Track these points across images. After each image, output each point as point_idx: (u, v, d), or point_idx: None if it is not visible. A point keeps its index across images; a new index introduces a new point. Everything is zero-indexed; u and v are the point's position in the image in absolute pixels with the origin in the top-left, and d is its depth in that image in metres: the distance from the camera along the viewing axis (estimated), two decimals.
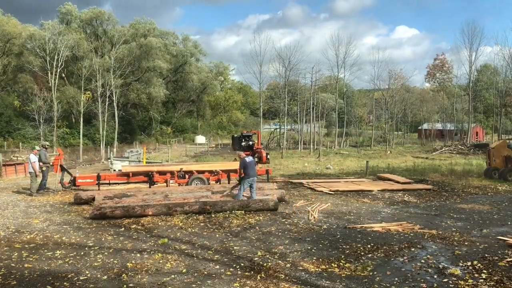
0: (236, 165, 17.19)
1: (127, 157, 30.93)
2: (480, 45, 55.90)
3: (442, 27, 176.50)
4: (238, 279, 6.36)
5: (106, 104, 45.18)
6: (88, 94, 50.50)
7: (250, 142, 17.06)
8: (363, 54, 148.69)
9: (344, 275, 6.56)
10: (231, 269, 6.79)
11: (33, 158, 14.95)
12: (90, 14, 58.91)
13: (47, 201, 13.53)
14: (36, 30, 52.55)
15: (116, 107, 46.79)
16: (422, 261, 7.28)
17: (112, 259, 7.30)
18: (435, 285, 6.17)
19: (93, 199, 12.30)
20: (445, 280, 6.37)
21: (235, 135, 18.48)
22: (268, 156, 16.20)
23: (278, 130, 56.69)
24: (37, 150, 15.65)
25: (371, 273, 6.63)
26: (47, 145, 17.66)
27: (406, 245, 8.23)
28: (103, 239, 8.64)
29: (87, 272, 6.67)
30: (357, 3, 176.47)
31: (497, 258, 7.42)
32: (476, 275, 6.59)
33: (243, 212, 11.01)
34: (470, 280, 6.33)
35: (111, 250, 7.85)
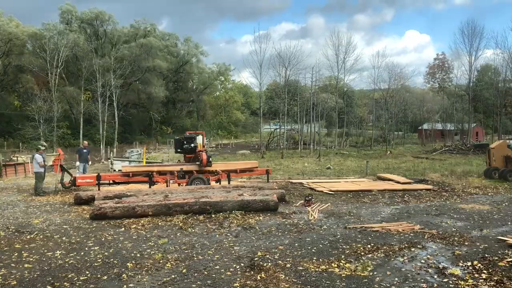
0: (236, 166, 17.22)
1: (127, 157, 30.95)
2: (480, 44, 55.78)
3: (449, 32, 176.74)
4: (238, 279, 6.36)
5: (106, 104, 45.18)
6: (88, 94, 50.51)
7: (192, 145, 16.66)
8: (366, 59, 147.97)
9: (344, 275, 6.56)
10: (231, 269, 6.79)
11: (40, 158, 15.02)
12: (91, 15, 58.92)
13: (47, 201, 13.53)
14: (37, 30, 52.58)
15: (116, 107, 46.79)
16: (422, 261, 7.27)
17: (112, 259, 7.30)
18: (435, 285, 6.17)
19: (93, 199, 12.30)
20: (445, 280, 6.37)
21: (177, 137, 18.19)
22: (210, 159, 16.06)
23: (278, 130, 56.70)
24: (42, 150, 15.77)
25: (371, 273, 6.63)
26: (44, 146, 17.87)
27: (406, 245, 8.23)
28: (103, 239, 8.64)
29: (87, 272, 6.68)
30: (377, 19, 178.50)
31: (497, 258, 7.42)
32: (476, 275, 6.58)
33: (243, 212, 11.01)
34: (470, 280, 6.33)
35: (111, 250, 7.85)
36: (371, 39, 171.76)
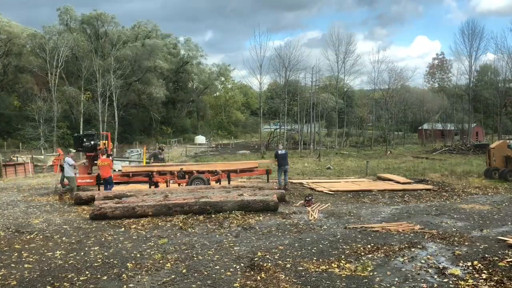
0: (236, 166, 17.24)
1: (127, 157, 30.96)
2: (480, 45, 55.71)
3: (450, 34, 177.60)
4: (238, 279, 6.36)
5: (106, 105, 45.18)
6: (88, 94, 50.50)
7: (92, 142, 16.02)
8: (367, 60, 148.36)
9: (344, 275, 6.56)
10: (231, 269, 6.79)
11: (71, 161, 14.40)
12: (91, 15, 58.87)
13: (47, 201, 13.53)
14: (36, 31, 52.57)
15: (116, 107, 46.79)
16: (422, 261, 7.27)
17: (112, 259, 7.30)
18: (435, 285, 6.17)
19: (93, 199, 12.30)
20: (445, 280, 6.37)
21: (75, 134, 17.70)
22: (111, 158, 15.95)
23: (278, 130, 56.69)
24: (73, 153, 15.46)
25: (371, 273, 6.63)
26: (163, 147, 17.50)
27: (406, 245, 8.23)
28: (103, 239, 8.64)
29: (87, 272, 6.68)
30: (394, 30, 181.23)
31: (497, 258, 7.42)
32: (476, 275, 6.58)
33: (243, 212, 11.01)
34: (470, 280, 6.32)
35: (111, 250, 7.85)
36: (386, 46, 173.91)
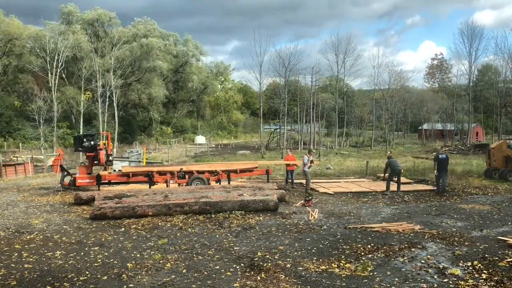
0: (236, 166, 17.23)
1: (127, 157, 30.90)
2: (479, 45, 55.61)
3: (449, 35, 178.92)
4: (238, 279, 6.36)
5: (106, 104, 45.16)
6: (88, 94, 50.50)
7: (93, 142, 16.20)
8: (367, 60, 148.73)
9: (344, 275, 6.56)
10: (231, 269, 6.79)
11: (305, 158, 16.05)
12: (92, 15, 58.85)
13: (47, 201, 13.53)
14: (37, 30, 52.47)
15: (116, 107, 46.78)
16: (422, 261, 7.27)
17: (112, 259, 7.30)
18: (435, 285, 6.17)
19: (93, 199, 12.30)
20: (445, 280, 6.37)
21: (76, 135, 17.73)
22: (111, 158, 16.02)
23: (278, 130, 56.71)
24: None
25: (371, 273, 6.63)
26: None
27: (406, 245, 8.23)
28: (103, 239, 8.64)
29: (87, 272, 6.68)
30: (405, 36, 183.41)
31: (497, 258, 7.42)
32: (476, 275, 6.58)
33: (243, 212, 11.02)
34: (471, 281, 6.32)
35: (111, 250, 7.85)
36: (393, 51, 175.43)
